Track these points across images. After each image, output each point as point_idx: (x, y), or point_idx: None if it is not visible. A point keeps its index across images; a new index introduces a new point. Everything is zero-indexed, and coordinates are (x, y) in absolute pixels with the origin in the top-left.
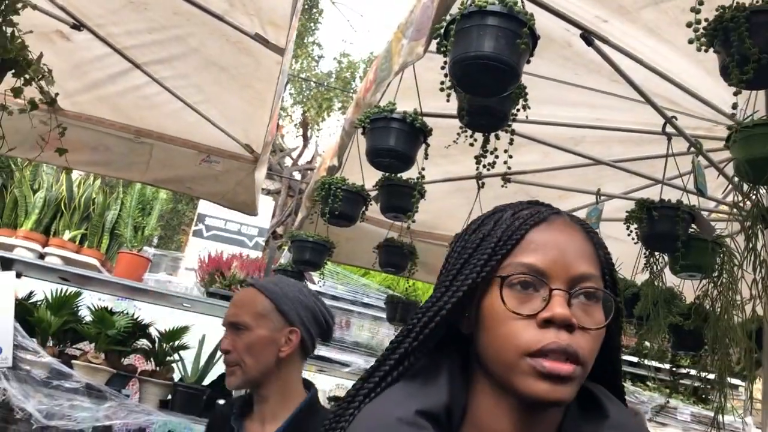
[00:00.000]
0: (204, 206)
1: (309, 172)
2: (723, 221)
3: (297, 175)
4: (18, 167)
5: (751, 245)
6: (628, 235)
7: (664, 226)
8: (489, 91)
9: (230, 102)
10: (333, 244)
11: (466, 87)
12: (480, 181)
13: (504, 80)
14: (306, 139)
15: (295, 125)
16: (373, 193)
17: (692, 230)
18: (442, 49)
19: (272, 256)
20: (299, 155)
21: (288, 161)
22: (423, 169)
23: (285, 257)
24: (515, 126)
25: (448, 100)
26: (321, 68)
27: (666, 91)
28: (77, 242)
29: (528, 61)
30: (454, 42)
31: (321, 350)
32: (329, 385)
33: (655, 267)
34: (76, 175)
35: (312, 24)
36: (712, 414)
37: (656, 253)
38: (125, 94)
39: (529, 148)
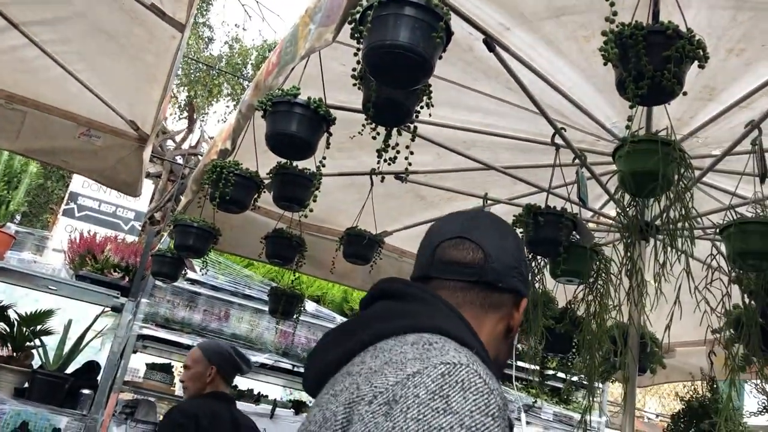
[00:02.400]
0: (77, 184)
1: (192, 157)
2: (603, 231)
3: (179, 160)
4: None
5: (629, 254)
6: None
7: (548, 232)
8: (401, 82)
9: (117, 74)
10: (219, 231)
11: (379, 76)
12: (374, 177)
13: (417, 72)
14: (191, 123)
15: (180, 107)
16: (267, 181)
17: (573, 237)
18: (356, 35)
19: (150, 241)
20: (183, 139)
21: (171, 144)
22: (324, 158)
23: (164, 243)
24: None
25: (359, 88)
26: (211, 51)
27: (557, 103)
28: None
29: (440, 57)
30: (370, 29)
31: (197, 341)
32: None
33: (536, 271)
34: None
35: (204, 4)
36: (572, 414)
37: (537, 258)
38: None
39: (424, 148)
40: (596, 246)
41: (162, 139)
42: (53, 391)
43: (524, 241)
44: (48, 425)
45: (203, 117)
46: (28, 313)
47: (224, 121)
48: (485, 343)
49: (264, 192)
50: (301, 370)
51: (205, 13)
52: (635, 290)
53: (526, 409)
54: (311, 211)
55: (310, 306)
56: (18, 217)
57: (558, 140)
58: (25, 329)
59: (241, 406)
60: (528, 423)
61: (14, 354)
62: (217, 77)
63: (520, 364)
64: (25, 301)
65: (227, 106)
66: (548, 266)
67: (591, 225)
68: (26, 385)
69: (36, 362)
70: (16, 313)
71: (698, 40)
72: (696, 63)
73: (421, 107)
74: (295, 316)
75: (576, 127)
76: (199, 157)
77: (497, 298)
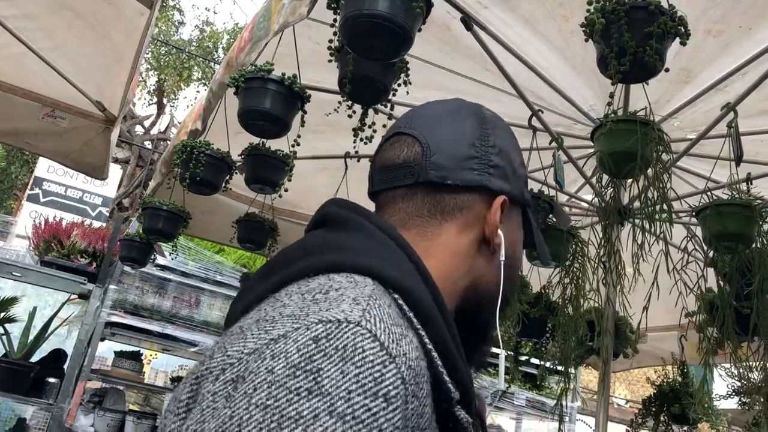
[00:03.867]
0: (42, 169)
1: (162, 142)
2: (580, 215)
3: (148, 145)
4: None
5: (607, 236)
6: None
7: None
8: (380, 53)
9: (83, 53)
10: (189, 215)
11: (357, 47)
12: (349, 160)
13: (396, 43)
14: (161, 108)
15: (149, 92)
16: (239, 163)
17: (550, 220)
18: (333, 5)
19: (118, 226)
20: (152, 124)
21: (140, 130)
22: (299, 136)
23: (132, 228)
24: (386, 106)
25: (336, 63)
26: (181, 35)
27: (534, 86)
28: None
29: (419, 29)
30: None
31: (167, 328)
32: (171, 366)
33: None
34: None
35: None
36: (544, 399)
37: None
38: None
39: None
40: (573, 229)
41: (131, 124)
42: (18, 380)
43: None
44: (12, 415)
45: (173, 102)
46: None
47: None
48: (441, 267)
49: (236, 174)
50: None
51: None
52: (612, 272)
53: (498, 395)
54: (286, 190)
55: None
56: None
57: (535, 123)
58: None
59: None
60: (500, 409)
61: None
62: (188, 61)
63: (494, 350)
64: None
65: (197, 91)
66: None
67: (567, 209)
68: None
69: (0, 351)
70: None
71: (680, 17)
72: (678, 40)
73: (399, 85)
74: None
75: (553, 109)
76: (168, 143)
77: (450, 201)
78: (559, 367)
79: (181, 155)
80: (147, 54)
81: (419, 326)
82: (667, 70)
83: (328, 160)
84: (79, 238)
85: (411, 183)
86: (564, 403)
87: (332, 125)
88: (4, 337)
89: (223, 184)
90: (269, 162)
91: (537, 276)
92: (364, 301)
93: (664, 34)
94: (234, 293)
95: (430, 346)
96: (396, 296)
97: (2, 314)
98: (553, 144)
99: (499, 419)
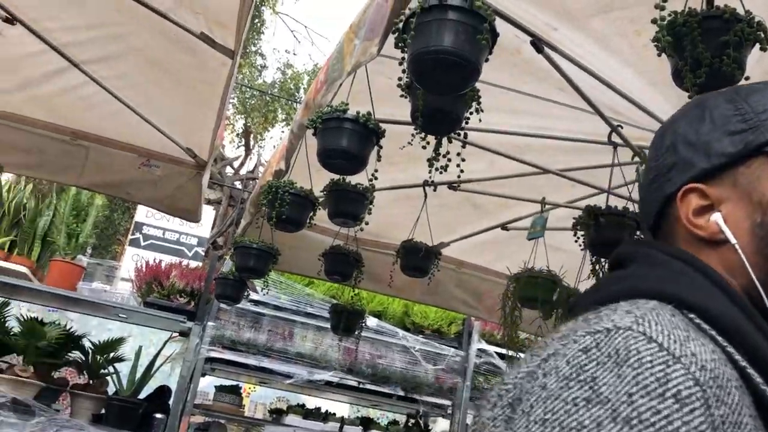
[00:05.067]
0: (141, 215)
1: (251, 181)
2: None
3: (238, 185)
4: None
5: None
6: (575, 241)
7: (611, 233)
8: (448, 87)
9: (172, 104)
10: (278, 251)
11: (425, 83)
12: (428, 188)
13: (464, 76)
14: (248, 149)
15: (237, 135)
16: (321, 199)
17: (637, 237)
18: (400, 45)
19: (213, 265)
20: (241, 165)
21: (229, 171)
22: (376, 171)
23: (227, 266)
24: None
25: (406, 97)
26: (264, 78)
27: (611, 101)
28: (6, 249)
29: (486, 59)
30: (414, 37)
31: (263, 362)
32: (269, 398)
33: (601, 273)
34: (5, 179)
35: (255, 34)
36: None
37: (602, 260)
38: (61, 94)
39: (476, 156)
40: None
41: (221, 166)
42: (128, 417)
43: (587, 244)
44: None
45: (260, 143)
46: (101, 342)
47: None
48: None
49: (319, 209)
50: (367, 387)
51: (256, 42)
52: None
53: None
54: (367, 224)
55: (371, 321)
56: (89, 250)
57: (615, 138)
58: (99, 357)
59: (309, 424)
60: None
61: (90, 381)
62: (272, 103)
63: None
64: (98, 330)
65: (282, 131)
66: None
67: None
68: (102, 411)
69: (111, 389)
70: (90, 341)
71: (758, 22)
72: (758, 46)
73: (471, 113)
74: (357, 333)
75: (632, 123)
76: (257, 182)
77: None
78: None
79: (267, 195)
80: (233, 99)
81: (725, 344)
82: (747, 78)
83: (408, 189)
84: (178, 278)
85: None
86: None
87: (409, 156)
88: (114, 376)
89: (308, 220)
90: (350, 196)
91: None
92: (638, 311)
93: (742, 42)
94: (324, 324)
95: (743, 363)
96: (691, 316)
97: (111, 354)
98: (636, 159)
99: None
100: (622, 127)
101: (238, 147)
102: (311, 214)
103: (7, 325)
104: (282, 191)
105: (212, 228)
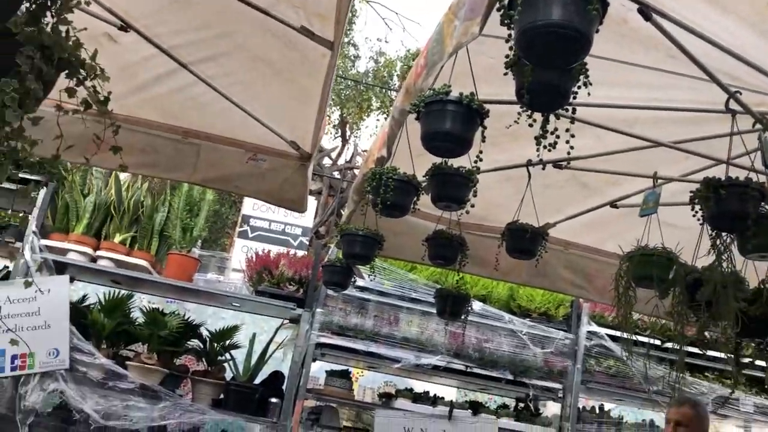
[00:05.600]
0: (248, 208)
1: (349, 171)
2: None
3: (337, 175)
4: (68, 172)
5: None
6: (693, 216)
7: (732, 205)
8: (558, 62)
9: (276, 98)
10: (383, 237)
11: (535, 58)
12: (532, 168)
13: (575, 49)
14: (345, 140)
15: (333, 126)
16: (424, 183)
17: (762, 209)
18: (506, 21)
19: (318, 253)
20: (338, 155)
21: (327, 162)
22: (481, 152)
23: (331, 254)
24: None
25: (510, 73)
26: (358, 68)
27: (727, 67)
28: (127, 245)
29: (597, 31)
30: (520, 12)
31: (371, 346)
32: (377, 382)
33: (722, 249)
34: (123, 178)
35: (347, 24)
36: None
37: (723, 235)
38: (172, 95)
39: (582, 131)
40: None
41: (319, 157)
42: (246, 401)
43: (706, 218)
44: None
45: (356, 133)
46: (218, 330)
47: (376, 135)
48: None
49: (422, 194)
50: (475, 371)
51: (348, 32)
52: None
53: (720, 402)
54: (473, 206)
55: (476, 305)
56: (199, 243)
57: (733, 106)
58: (216, 345)
59: (419, 408)
60: (725, 416)
61: (209, 368)
62: (366, 92)
63: (712, 353)
64: (212, 319)
65: (377, 120)
66: (736, 243)
67: None
68: (221, 396)
69: (228, 375)
70: (207, 330)
71: None
72: None
73: (579, 87)
74: (463, 317)
75: (752, 89)
76: (355, 171)
77: None
78: None
79: (372, 182)
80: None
81: None
82: None
83: (510, 170)
84: (286, 267)
85: None
86: None
87: (511, 135)
88: (230, 363)
89: (412, 205)
90: (453, 180)
91: (754, 270)
92: None
93: None
94: (429, 309)
95: None
96: None
97: (227, 342)
98: (757, 126)
99: (724, 428)
100: (740, 93)
101: (335, 138)
102: (415, 199)
103: (132, 316)
104: (386, 177)
105: (314, 218)
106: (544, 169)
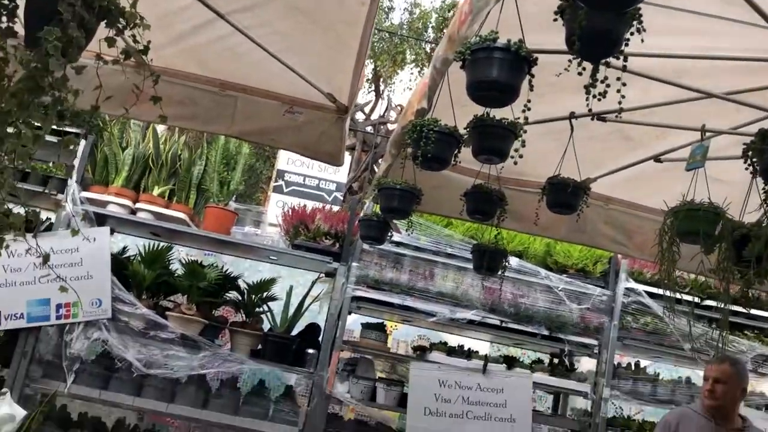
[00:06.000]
0: (283, 162)
1: (382, 126)
2: None
3: (370, 130)
4: (107, 125)
5: None
6: (746, 169)
7: None
8: (617, 3)
9: (313, 49)
10: (421, 192)
11: (589, 1)
12: (575, 121)
13: None
14: (378, 94)
15: (367, 80)
16: (465, 136)
17: None
18: None
19: (354, 208)
20: (372, 109)
21: (360, 116)
22: (529, 101)
23: (367, 209)
24: (611, 60)
25: (559, 20)
26: (392, 20)
27: None
28: (166, 198)
29: None
30: None
31: (406, 300)
32: (411, 336)
33: None
34: (160, 131)
35: None
36: None
37: None
38: (209, 46)
39: (628, 83)
40: None
41: (353, 112)
42: (283, 351)
43: (760, 170)
44: (280, 383)
45: (389, 87)
46: (255, 282)
47: (410, 89)
48: None
49: (463, 147)
50: (509, 326)
51: None
52: None
53: (761, 360)
54: (521, 156)
55: (513, 261)
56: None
57: None
58: (254, 297)
59: (453, 361)
60: (763, 375)
61: (247, 319)
62: (400, 44)
63: (753, 311)
64: (249, 272)
65: (411, 73)
66: None
67: None
68: (259, 346)
69: (265, 326)
70: (245, 282)
71: None
72: None
73: (631, 34)
74: (500, 272)
75: None
76: (389, 126)
77: None
78: None
79: (412, 134)
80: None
81: None
82: None
83: (552, 123)
84: (322, 221)
85: None
86: None
87: (554, 87)
88: (268, 314)
89: (453, 158)
90: (495, 132)
91: None
92: None
93: None
94: (464, 264)
95: None
96: None
97: (265, 294)
98: None
99: (761, 386)
100: None
101: (368, 92)
102: (456, 151)
103: (171, 267)
104: (427, 129)
105: (348, 173)
106: (593, 119)
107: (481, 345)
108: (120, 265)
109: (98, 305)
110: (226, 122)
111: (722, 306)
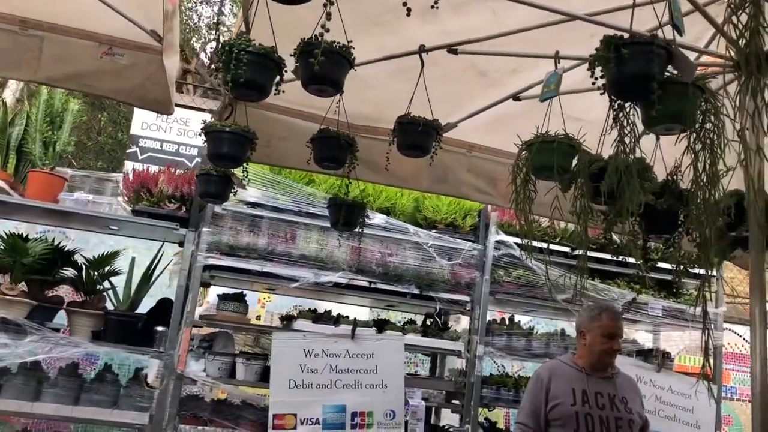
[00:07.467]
0: (137, 127)
1: None
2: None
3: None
4: None
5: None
6: (593, 83)
7: (636, 66)
8: None
9: None
10: (255, 135)
11: None
12: (425, 56)
13: None
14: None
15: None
16: (296, 64)
17: (669, 73)
18: None
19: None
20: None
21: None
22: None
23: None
24: None
25: None
26: None
27: None
28: None
29: None
30: None
31: (266, 266)
32: (286, 307)
33: (625, 122)
34: None
35: None
36: (683, 307)
37: (626, 106)
38: None
39: (475, 6)
40: (701, 80)
41: (198, 65)
42: (128, 331)
43: (608, 84)
44: (130, 367)
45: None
46: (95, 257)
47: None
48: None
49: (286, 72)
50: (380, 287)
51: None
52: (758, 134)
53: (626, 306)
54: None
55: (379, 218)
56: (73, 162)
57: None
58: (93, 273)
59: (320, 328)
60: (633, 321)
61: (87, 298)
62: None
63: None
64: (98, 247)
65: None
66: (640, 115)
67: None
68: (102, 327)
69: (110, 306)
70: (84, 257)
71: None
72: None
73: None
74: (359, 227)
75: None
76: None
77: None
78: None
79: (221, 56)
80: None
81: None
82: None
83: (401, 60)
84: (166, 183)
85: None
86: (704, 307)
87: (398, 12)
88: (110, 291)
89: (273, 86)
90: (327, 57)
91: (661, 160)
92: None
93: None
94: (328, 224)
95: None
96: None
97: (106, 269)
98: None
99: (634, 333)
100: None
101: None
102: (277, 78)
103: None
104: (237, 50)
105: None
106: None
107: (360, 311)
108: None
109: None
110: (31, 66)
111: (581, 252)
